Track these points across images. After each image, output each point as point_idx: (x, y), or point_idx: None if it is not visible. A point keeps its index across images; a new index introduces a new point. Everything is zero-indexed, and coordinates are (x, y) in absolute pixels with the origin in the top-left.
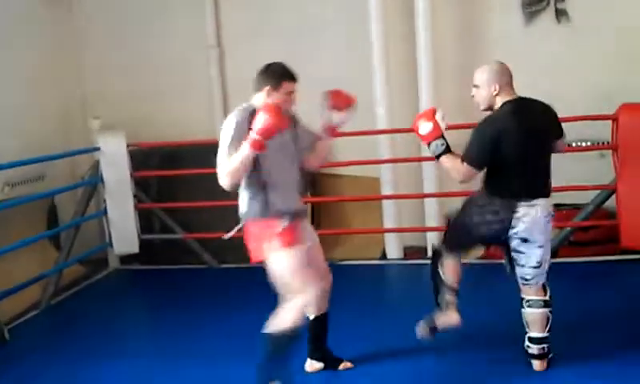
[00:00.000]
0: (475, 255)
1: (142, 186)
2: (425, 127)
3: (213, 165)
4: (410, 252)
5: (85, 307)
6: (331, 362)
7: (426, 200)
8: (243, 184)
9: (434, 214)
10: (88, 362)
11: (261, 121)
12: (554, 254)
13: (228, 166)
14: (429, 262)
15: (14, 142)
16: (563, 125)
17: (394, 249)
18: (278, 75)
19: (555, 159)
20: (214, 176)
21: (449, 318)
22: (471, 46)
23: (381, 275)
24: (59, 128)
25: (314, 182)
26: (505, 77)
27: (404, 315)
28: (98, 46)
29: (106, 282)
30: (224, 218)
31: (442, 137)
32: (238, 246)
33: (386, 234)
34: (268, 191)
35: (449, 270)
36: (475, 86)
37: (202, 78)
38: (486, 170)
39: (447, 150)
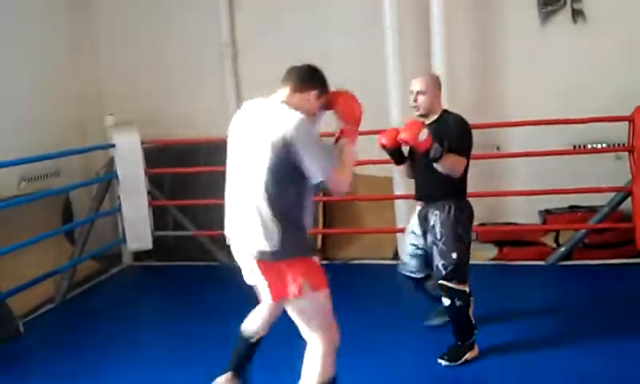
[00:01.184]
0: (489, 257)
1: (155, 183)
2: (422, 134)
3: (225, 162)
4: None
5: (98, 302)
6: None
7: None
8: (271, 211)
9: None
10: (101, 356)
11: (352, 108)
12: (568, 257)
13: (345, 171)
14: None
15: (30, 138)
16: (579, 126)
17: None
18: (325, 84)
19: (571, 161)
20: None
21: (474, 352)
22: (486, 46)
23: (393, 274)
24: (75, 125)
25: None
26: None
27: (416, 313)
28: (113, 44)
29: (119, 277)
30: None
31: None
32: None
33: (399, 234)
34: (302, 216)
35: (471, 307)
36: (420, 93)
37: (216, 76)
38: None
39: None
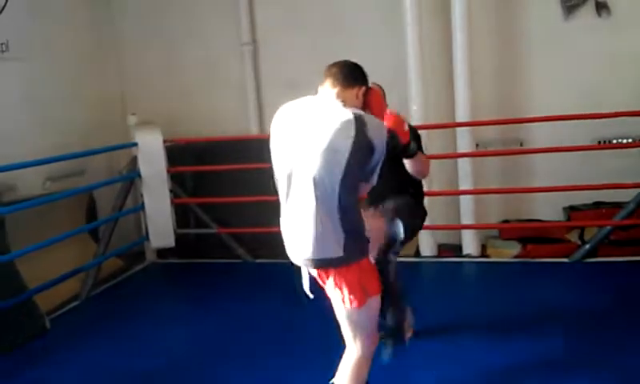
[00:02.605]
0: (512, 254)
1: (177, 181)
2: (406, 127)
3: (247, 160)
4: (443, 249)
5: (122, 299)
6: None
7: (462, 197)
8: (340, 223)
9: (469, 211)
10: (125, 352)
11: (381, 104)
12: (593, 253)
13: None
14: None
15: (55, 138)
16: (604, 121)
17: (427, 246)
18: (367, 79)
19: (595, 157)
20: (248, 171)
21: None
22: (509, 41)
23: (414, 272)
24: (98, 124)
25: None
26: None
27: (437, 311)
28: (135, 45)
29: (142, 275)
30: (258, 213)
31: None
32: (272, 241)
33: (420, 231)
34: (363, 223)
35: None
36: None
37: (237, 75)
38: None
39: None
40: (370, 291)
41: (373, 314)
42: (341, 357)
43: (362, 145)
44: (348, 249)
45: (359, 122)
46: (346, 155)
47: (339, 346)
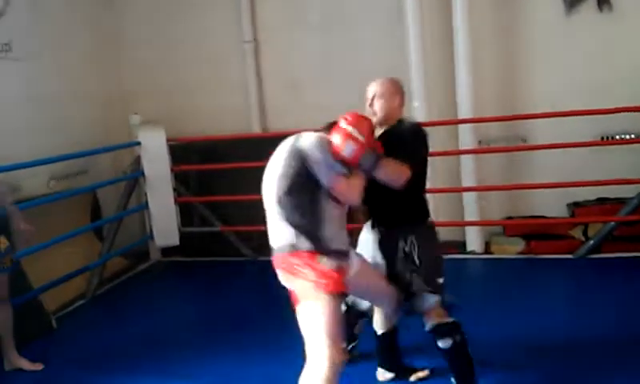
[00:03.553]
0: (516, 250)
1: (181, 180)
2: (348, 147)
3: (250, 158)
4: (447, 246)
5: (128, 298)
6: (402, 372)
7: (465, 194)
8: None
9: (472, 208)
10: (130, 350)
11: None
12: (597, 250)
13: (354, 182)
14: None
15: (58, 137)
16: (607, 117)
17: None
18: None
19: (599, 153)
20: (251, 169)
21: None
22: (511, 37)
23: None
24: (101, 124)
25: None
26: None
27: None
28: (137, 43)
29: (147, 273)
30: (261, 211)
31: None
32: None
33: None
34: (319, 229)
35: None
36: (376, 97)
37: (239, 73)
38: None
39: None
40: (322, 289)
41: (326, 313)
42: None
43: (293, 152)
44: (298, 237)
45: (297, 137)
46: (282, 162)
47: None
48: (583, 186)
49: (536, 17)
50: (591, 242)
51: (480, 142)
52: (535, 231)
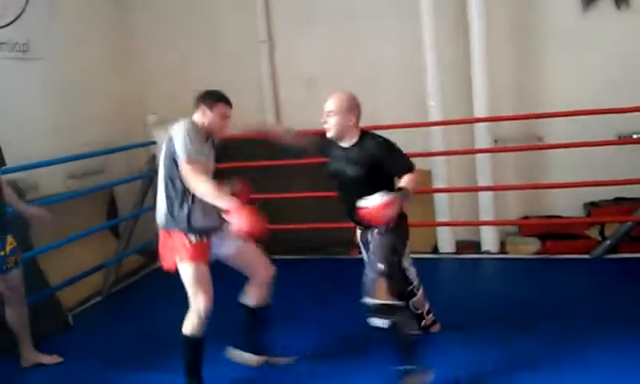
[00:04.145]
0: (531, 250)
1: None
2: (385, 211)
3: (264, 158)
4: (462, 246)
5: (143, 295)
6: (261, 353)
7: (480, 193)
8: (166, 193)
9: (488, 207)
10: (146, 347)
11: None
12: (613, 250)
13: (205, 182)
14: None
15: (76, 136)
16: (624, 115)
17: (446, 242)
18: (214, 98)
19: (616, 152)
20: (265, 168)
21: (428, 375)
22: (527, 35)
23: (432, 269)
24: (118, 123)
25: None
26: (358, 106)
27: (455, 307)
28: (153, 44)
29: (162, 271)
30: (273, 210)
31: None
32: (286, 238)
33: (438, 228)
34: (192, 205)
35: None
36: (330, 113)
37: (254, 73)
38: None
39: (403, 188)
40: (181, 258)
41: (189, 278)
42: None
43: (167, 137)
44: (169, 216)
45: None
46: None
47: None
48: (600, 185)
49: (552, 14)
50: (608, 242)
51: (496, 141)
52: (551, 231)
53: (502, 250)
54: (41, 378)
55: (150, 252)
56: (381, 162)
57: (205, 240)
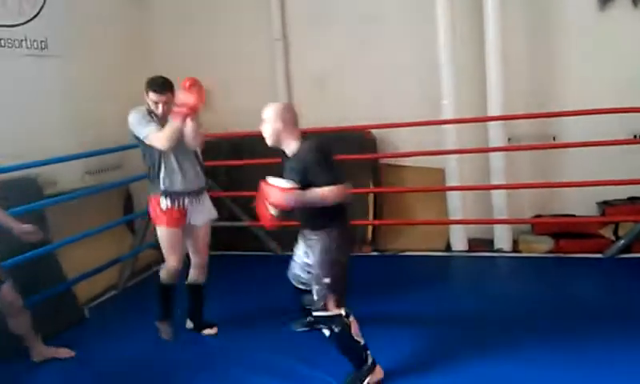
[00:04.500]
0: (544, 249)
1: (210, 175)
2: (274, 194)
3: (278, 155)
4: (474, 244)
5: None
6: (198, 326)
7: (494, 192)
8: (147, 164)
9: (501, 206)
10: (161, 341)
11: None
12: (627, 249)
13: (164, 132)
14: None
15: (93, 133)
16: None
17: (458, 240)
18: (147, 85)
19: (630, 151)
20: (279, 165)
21: (377, 374)
22: (542, 33)
23: (445, 266)
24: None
25: (377, 172)
26: (293, 113)
27: (466, 305)
28: (168, 41)
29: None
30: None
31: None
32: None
33: (451, 226)
34: (164, 172)
35: (355, 328)
36: (265, 121)
37: (268, 71)
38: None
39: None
40: (154, 220)
41: (160, 237)
42: None
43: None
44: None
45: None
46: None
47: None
48: (614, 184)
49: (568, 12)
50: (622, 241)
51: (510, 140)
52: (564, 230)
53: (515, 249)
54: (53, 372)
55: None
56: (309, 171)
57: (176, 207)
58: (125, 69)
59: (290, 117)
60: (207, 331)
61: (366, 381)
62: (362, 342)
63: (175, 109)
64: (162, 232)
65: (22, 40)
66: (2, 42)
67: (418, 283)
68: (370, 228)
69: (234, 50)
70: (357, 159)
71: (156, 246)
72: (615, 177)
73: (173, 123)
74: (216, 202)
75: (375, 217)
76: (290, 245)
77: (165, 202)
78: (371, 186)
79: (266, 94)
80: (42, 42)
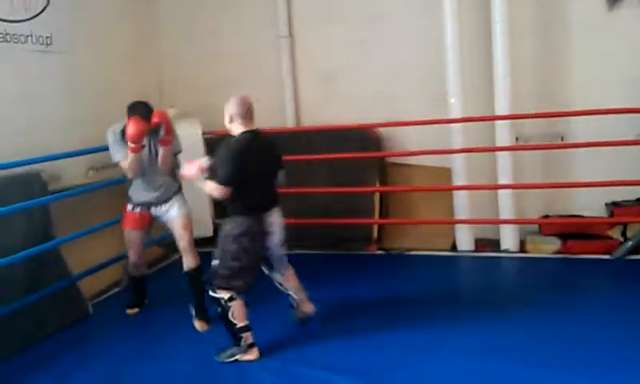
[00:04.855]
0: (552, 250)
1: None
2: (190, 165)
3: (283, 153)
4: (481, 244)
5: (162, 286)
6: (197, 315)
7: (500, 192)
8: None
9: (508, 206)
10: (164, 336)
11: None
12: (635, 251)
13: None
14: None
15: (97, 128)
16: None
17: (464, 240)
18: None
19: (638, 151)
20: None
21: (250, 355)
22: (550, 31)
23: (450, 266)
24: None
25: (383, 171)
26: (242, 108)
27: (471, 306)
28: (174, 38)
29: (181, 263)
30: (291, 204)
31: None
32: (307, 232)
33: (457, 226)
34: (132, 185)
35: (237, 312)
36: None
37: (274, 68)
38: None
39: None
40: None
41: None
42: None
43: None
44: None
45: None
46: None
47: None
48: (623, 185)
49: (577, 11)
50: (630, 242)
51: (517, 139)
52: (572, 231)
53: (522, 249)
54: (63, 364)
55: (169, 244)
56: (217, 163)
57: (138, 212)
58: (130, 65)
59: (237, 110)
60: (197, 324)
61: (236, 356)
62: (243, 324)
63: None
64: (125, 232)
65: (27, 36)
66: (8, 37)
67: (423, 282)
68: (375, 227)
69: (240, 47)
70: (363, 158)
71: (160, 242)
72: (624, 177)
73: (130, 155)
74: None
75: (381, 216)
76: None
77: (129, 207)
78: (377, 185)
79: (272, 92)
80: (47, 37)
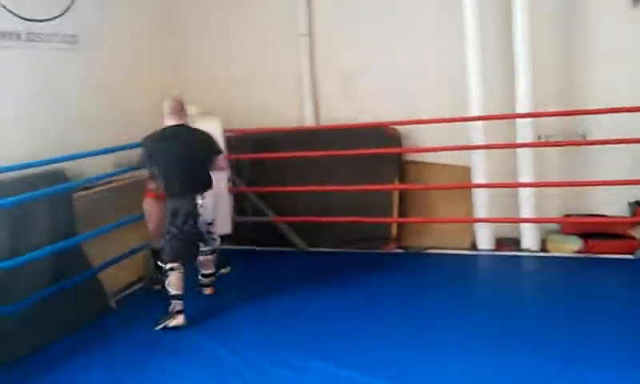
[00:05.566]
0: (573, 249)
1: (236, 171)
2: None
3: (302, 150)
4: (501, 243)
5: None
6: None
7: (521, 190)
8: None
9: (529, 204)
10: (185, 332)
11: None
12: None
13: None
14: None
15: (120, 127)
16: None
17: (484, 239)
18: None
19: None
20: (304, 161)
21: (176, 320)
22: (572, 31)
23: (470, 265)
24: (161, 114)
25: (402, 169)
26: (168, 106)
27: (491, 305)
28: (194, 36)
29: None
30: (312, 203)
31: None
32: (327, 230)
33: (477, 224)
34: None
35: (173, 281)
36: None
37: (293, 65)
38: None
39: None
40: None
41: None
42: None
43: None
44: None
45: None
46: None
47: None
48: None
49: (599, 9)
50: None
51: (539, 137)
52: (594, 230)
53: (543, 248)
54: (85, 361)
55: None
56: None
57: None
58: (153, 64)
59: (165, 109)
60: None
61: (164, 322)
62: (175, 293)
63: None
64: (144, 202)
65: (53, 35)
66: (33, 36)
67: (441, 281)
68: (394, 225)
69: (259, 44)
70: (382, 156)
71: None
72: None
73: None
74: (240, 196)
75: (400, 214)
76: (313, 240)
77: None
78: (396, 183)
79: (291, 90)
80: (72, 36)
